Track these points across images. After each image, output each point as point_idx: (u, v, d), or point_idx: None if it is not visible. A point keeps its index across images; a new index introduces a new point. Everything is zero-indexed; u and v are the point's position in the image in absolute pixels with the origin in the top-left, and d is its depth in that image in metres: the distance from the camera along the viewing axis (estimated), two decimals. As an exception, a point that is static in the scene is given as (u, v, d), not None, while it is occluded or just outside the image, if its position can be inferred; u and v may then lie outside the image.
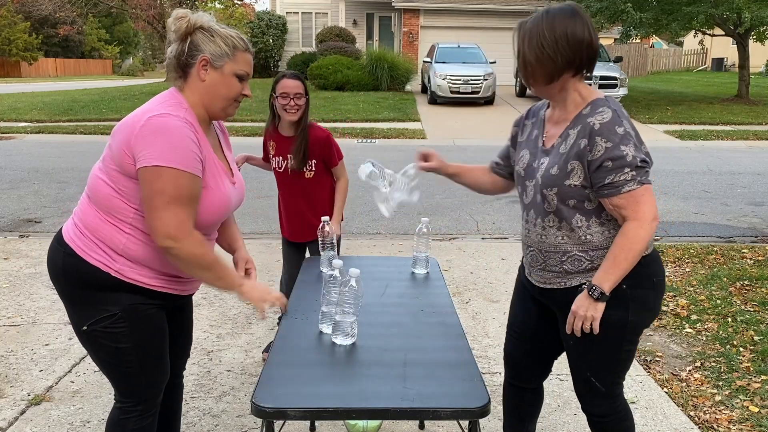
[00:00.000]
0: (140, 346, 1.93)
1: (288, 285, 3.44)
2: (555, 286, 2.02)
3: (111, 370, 1.96)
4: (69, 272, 1.88)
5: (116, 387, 2.00)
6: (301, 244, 3.43)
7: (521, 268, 2.27)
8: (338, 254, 2.77)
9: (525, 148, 2.10)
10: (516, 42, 1.91)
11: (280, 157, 3.25)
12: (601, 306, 1.89)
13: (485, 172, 2.38)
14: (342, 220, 3.34)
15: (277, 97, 3.11)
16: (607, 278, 1.87)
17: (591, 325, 1.92)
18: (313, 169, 3.23)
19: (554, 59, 1.83)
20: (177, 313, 2.13)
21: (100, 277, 1.85)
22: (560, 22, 1.82)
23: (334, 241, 2.65)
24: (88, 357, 3.48)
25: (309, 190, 3.26)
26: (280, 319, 3.60)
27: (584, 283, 1.95)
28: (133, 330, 1.90)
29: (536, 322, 2.21)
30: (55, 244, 1.94)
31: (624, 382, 2.14)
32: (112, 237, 1.85)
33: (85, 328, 1.89)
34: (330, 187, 3.32)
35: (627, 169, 1.80)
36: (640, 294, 1.94)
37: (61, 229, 1.97)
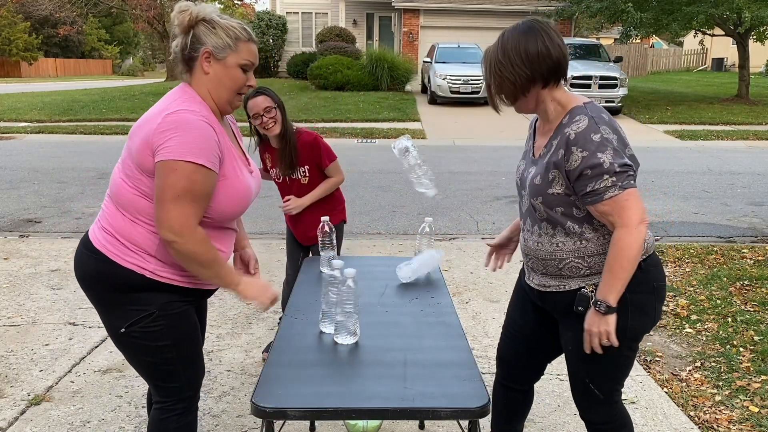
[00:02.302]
0: (179, 343, 1.94)
1: (290, 284, 3.45)
2: (554, 290, 2.03)
3: (151, 370, 1.96)
4: (104, 278, 1.88)
5: (156, 387, 2.00)
6: (303, 247, 3.49)
7: (521, 272, 2.27)
8: (338, 254, 2.78)
9: (522, 159, 2.13)
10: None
11: (277, 168, 3.29)
12: (612, 318, 1.88)
13: None
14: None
15: (250, 120, 3.13)
16: (610, 291, 1.86)
17: (609, 338, 1.90)
18: (307, 174, 3.25)
19: (512, 80, 1.86)
20: (197, 310, 2.14)
21: (135, 280, 1.86)
22: (512, 41, 1.85)
23: (334, 241, 2.66)
24: (89, 357, 3.49)
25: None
26: (280, 319, 3.61)
27: (583, 287, 1.95)
28: (171, 327, 1.91)
29: (533, 325, 2.21)
30: (85, 251, 1.92)
31: (623, 384, 2.14)
32: (144, 239, 1.86)
33: (122, 330, 1.89)
34: (330, 194, 3.34)
35: (606, 176, 1.80)
36: (639, 299, 1.93)
37: (86, 237, 1.95)
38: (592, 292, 1.93)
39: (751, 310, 4.23)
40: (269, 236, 6.02)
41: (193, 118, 1.78)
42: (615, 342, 1.89)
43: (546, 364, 2.31)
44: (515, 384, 2.33)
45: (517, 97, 1.90)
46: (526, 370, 2.30)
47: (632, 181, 1.84)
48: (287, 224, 3.49)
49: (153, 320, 1.88)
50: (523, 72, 1.84)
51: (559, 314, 2.06)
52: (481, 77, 16.79)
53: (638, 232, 1.82)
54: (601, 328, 1.88)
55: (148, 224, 1.86)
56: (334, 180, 3.31)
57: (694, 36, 21.55)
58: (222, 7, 24.85)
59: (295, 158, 3.18)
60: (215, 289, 2.09)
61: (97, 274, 1.88)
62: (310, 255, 3.45)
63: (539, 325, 2.19)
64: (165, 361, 1.93)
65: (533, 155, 2.04)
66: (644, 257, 1.94)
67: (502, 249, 2.46)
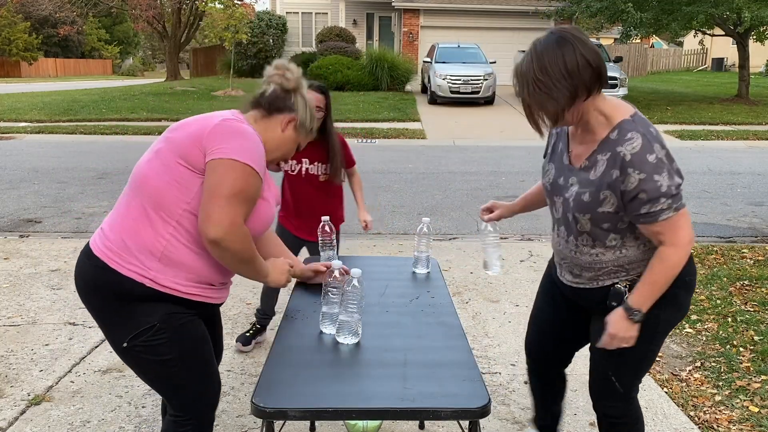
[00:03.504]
0: (184, 357, 1.89)
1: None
2: (587, 286, 2.04)
3: (159, 384, 1.92)
4: (101, 286, 1.83)
5: (168, 401, 1.96)
6: (302, 241, 3.46)
7: (551, 265, 2.29)
8: (338, 254, 2.78)
9: (551, 162, 2.07)
10: (515, 87, 1.83)
11: (294, 161, 3.31)
12: (638, 327, 1.92)
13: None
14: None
15: None
16: (646, 302, 1.88)
17: (628, 344, 1.94)
18: (328, 171, 3.31)
19: (556, 98, 1.73)
20: (208, 323, 2.09)
21: (134, 288, 1.81)
22: (549, 57, 1.71)
23: (334, 241, 2.66)
24: (89, 357, 3.49)
25: (323, 192, 3.36)
26: (257, 312, 3.65)
27: (616, 283, 1.96)
28: (174, 340, 1.86)
29: (563, 317, 2.23)
30: (84, 258, 1.89)
31: (642, 379, 2.15)
32: (152, 240, 1.82)
33: (125, 344, 1.84)
34: (339, 188, 3.43)
35: (663, 199, 1.77)
36: (672, 292, 1.93)
37: (88, 245, 1.92)
38: (625, 287, 1.94)
39: (751, 310, 4.23)
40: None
41: (251, 131, 1.87)
42: (632, 344, 1.94)
43: (574, 352, 2.36)
44: (545, 372, 2.40)
45: (559, 116, 1.77)
46: (555, 359, 2.37)
47: (683, 201, 1.82)
48: (280, 223, 3.46)
49: (155, 333, 1.83)
50: (566, 87, 1.71)
51: (590, 307, 2.08)
52: (481, 77, 16.90)
53: (686, 251, 1.83)
54: (627, 335, 1.91)
55: (161, 223, 1.82)
56: (359, 177, 3.56)
57: (694, 36, 21.56)
58: (222, 7, 24.80)
59: (342, 164, 3.33)
60: (220, 303, 2.07)
61: (95, 282, 1.84)
62: (306, 253, 3.45)
63: (568, 317, 2.22)
64: (171, 375, 1.89)
65: (570, 163, 1.97)
66: None
67: (495, 214, 2.47)
